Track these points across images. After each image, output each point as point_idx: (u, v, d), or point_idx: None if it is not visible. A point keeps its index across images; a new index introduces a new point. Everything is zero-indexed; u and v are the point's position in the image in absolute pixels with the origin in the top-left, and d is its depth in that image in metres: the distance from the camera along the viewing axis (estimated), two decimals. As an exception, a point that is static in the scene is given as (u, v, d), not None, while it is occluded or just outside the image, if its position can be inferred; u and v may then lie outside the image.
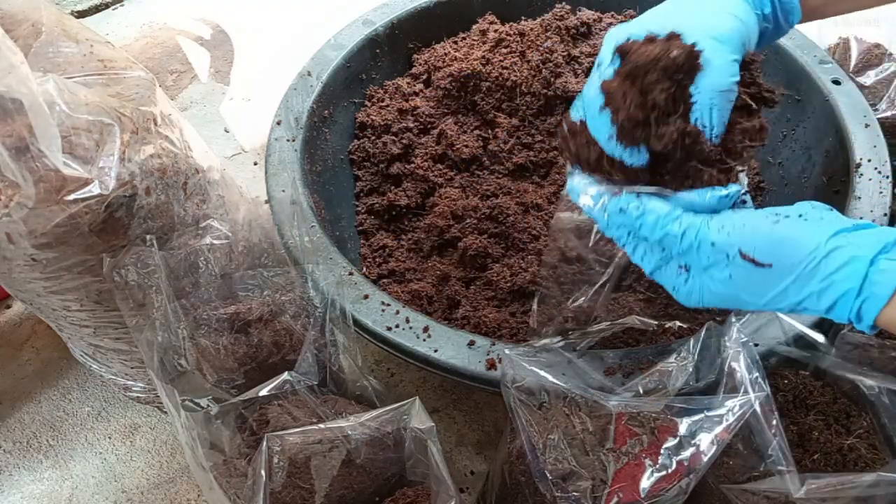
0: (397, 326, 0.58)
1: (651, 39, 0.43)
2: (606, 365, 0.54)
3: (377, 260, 0.79)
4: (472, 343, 0.56)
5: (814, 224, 0.40)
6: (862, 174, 0.67)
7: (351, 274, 0.62)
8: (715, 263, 0.43)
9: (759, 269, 0.41)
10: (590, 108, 0.45)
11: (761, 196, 0.82)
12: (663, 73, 0.42)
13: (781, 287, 0.40)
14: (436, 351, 0.56)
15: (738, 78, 0.43)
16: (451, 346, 0.56)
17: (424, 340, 0.57)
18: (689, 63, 0.41)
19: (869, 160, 0.68)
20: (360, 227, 0.83)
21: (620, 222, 0.46)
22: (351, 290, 0.61)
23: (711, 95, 0.42)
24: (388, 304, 0.60)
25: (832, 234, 0.39)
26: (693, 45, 0.42)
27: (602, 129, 0.44)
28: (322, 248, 0.64)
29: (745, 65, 0.46)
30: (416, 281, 0.75)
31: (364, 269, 0.78)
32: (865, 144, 0.69)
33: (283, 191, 0.68)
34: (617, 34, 0.45)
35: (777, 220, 0.41)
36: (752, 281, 0.41)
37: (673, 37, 0.42)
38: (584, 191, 0.48)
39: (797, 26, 0.79)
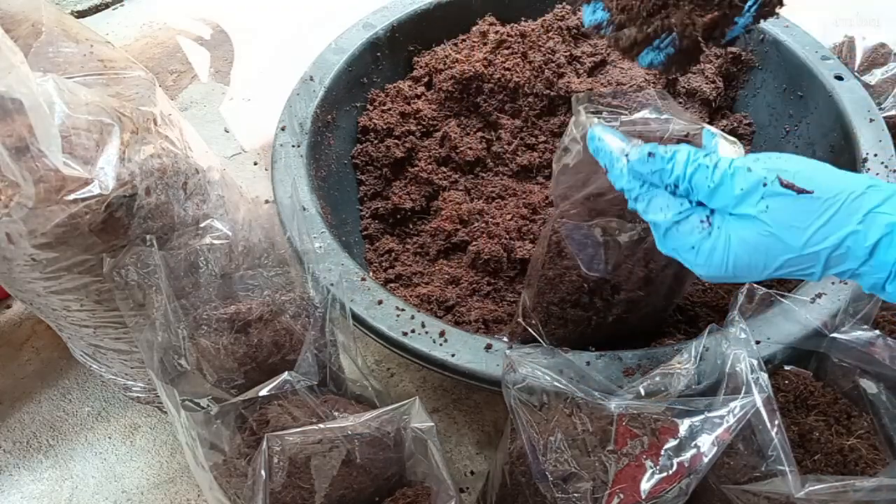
0: (413, 332, 0.58)
1: None
2: (625, 366, 0.54)
3: (383, 264, 0.79)
4: (489, 346, 0.56)
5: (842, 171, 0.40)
6: (868, 169, 0.67)
7: (363, 279, 0.62)
8: (748, 195, 0.40)
9: (801, 199, 0.39)
10: None
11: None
12: None
13: (825, 218, 0.38)
14: (453, 356, 0.56)
15: None
16: (468, 351, 0.56)
17: (441, 345, 0.57)
18: None
19: (875, 155, 0.68)
20: (365, 232, 0.82)
21: (643, 169, 0.44)
22: (364, 295, 0.60)
23: None
24: (403, 310, 0.59)
25: (863, 176, 0.39)
26: None
27: None
28: (333, 253, 0.64)
29: None
30: (424, 285, 0.75)
31: (371, 273, 0.78)
32: (871, 139, 0.69)
33: (291, 197, 0.68)
34: None
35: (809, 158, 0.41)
36: (791, 213, 0.39)
37: None
38: (604, 139, 0.47)
39: (799, 24, 0.78)
